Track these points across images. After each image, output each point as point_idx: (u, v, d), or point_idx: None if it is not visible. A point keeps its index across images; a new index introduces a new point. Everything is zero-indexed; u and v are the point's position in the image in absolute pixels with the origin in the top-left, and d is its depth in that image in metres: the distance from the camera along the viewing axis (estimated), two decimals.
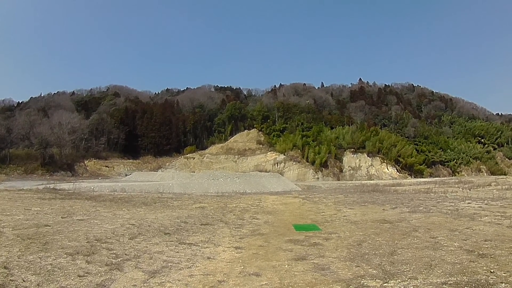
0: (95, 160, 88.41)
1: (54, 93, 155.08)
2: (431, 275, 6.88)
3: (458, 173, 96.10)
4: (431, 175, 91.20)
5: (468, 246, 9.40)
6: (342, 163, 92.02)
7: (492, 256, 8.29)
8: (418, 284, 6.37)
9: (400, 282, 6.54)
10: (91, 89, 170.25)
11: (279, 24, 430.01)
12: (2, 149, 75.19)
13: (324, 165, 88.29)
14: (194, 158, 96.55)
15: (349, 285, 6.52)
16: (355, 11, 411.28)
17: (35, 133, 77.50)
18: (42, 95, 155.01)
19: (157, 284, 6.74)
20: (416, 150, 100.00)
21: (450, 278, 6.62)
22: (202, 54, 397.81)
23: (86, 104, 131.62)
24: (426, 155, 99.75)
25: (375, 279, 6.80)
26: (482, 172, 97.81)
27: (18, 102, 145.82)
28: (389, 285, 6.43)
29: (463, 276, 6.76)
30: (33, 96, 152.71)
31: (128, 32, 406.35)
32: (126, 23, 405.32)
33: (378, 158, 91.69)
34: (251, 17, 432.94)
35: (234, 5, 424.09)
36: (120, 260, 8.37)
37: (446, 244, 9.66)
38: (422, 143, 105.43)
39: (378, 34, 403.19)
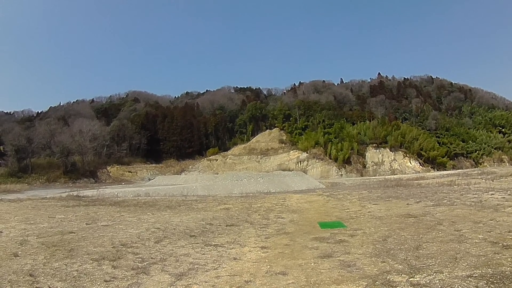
0: (117, 166, 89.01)
1: (73, 102, 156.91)
2: (456, 269, 6.87)
3: (481, 164, 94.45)
4: (454, 167, 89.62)
5: (493, 238, 9.35)
6: (365, 158, 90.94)
7: None
8: (443, 278, 6.37)
9: (426, 277, 6.54)
10: (111, 96, 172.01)
11: (296, 21, 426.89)
12: (24, 159, 75.94)
13: (347, 161, 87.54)
14: (217, 160, 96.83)
15: (375, 281, 6.54)
16: (370, 5, 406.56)
17: (56, 141, 78.39)
18: (61, 104, 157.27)
19: (184, 286, 6.86)
20: (438, 142, 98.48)
21: (475, 271, 6.61)
22: (220, 55, 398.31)
23: (106, 111, 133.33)
24: (448, 147, 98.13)
25: (401, 274, 6.82)
26: (504, 162, 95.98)
27: (38, 112, 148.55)
28: (415, 279, 6.44)
29: (488, 268, 6.74)
30: (52, 106, 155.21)
31: (145, 37, 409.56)
32: (142, 28, 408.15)
33: (400, 152, 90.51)
34: (267, 15, 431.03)
35: (250, 4, 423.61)
36: (146, 264, 8.51)
37: (470, 237, 9.61)
38: (444, 135, 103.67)
39: (395, 27, 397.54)
